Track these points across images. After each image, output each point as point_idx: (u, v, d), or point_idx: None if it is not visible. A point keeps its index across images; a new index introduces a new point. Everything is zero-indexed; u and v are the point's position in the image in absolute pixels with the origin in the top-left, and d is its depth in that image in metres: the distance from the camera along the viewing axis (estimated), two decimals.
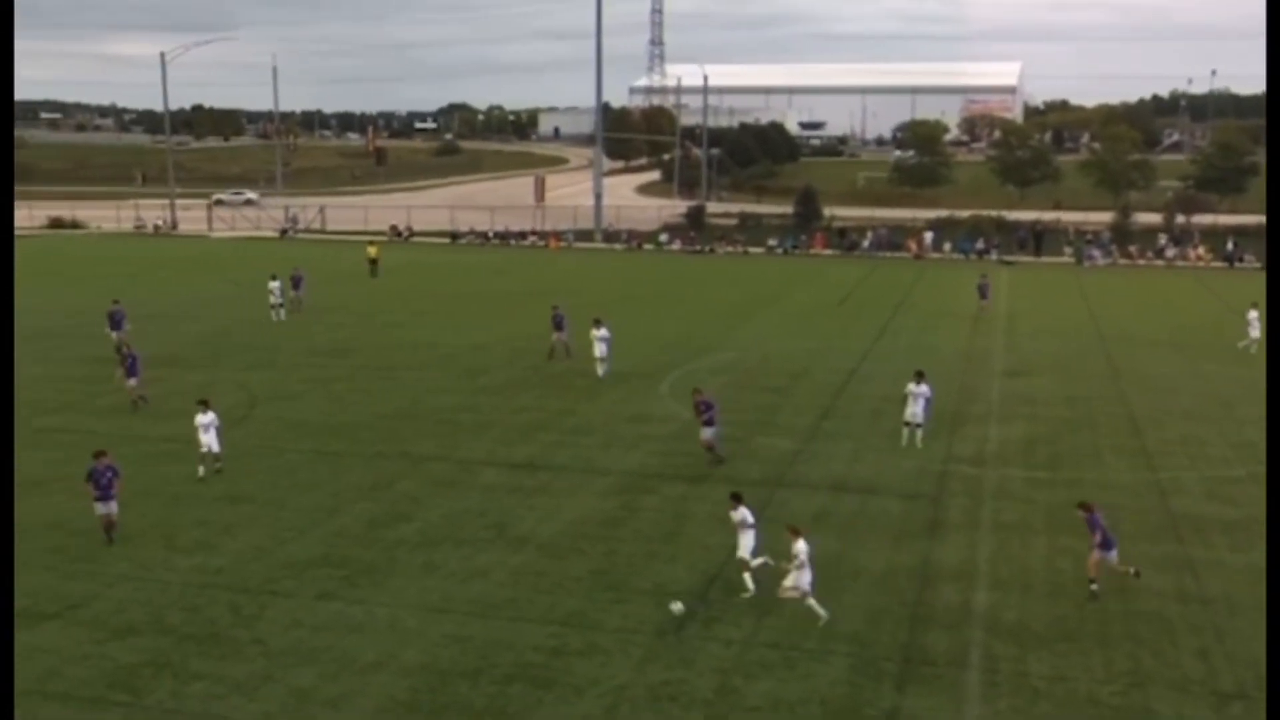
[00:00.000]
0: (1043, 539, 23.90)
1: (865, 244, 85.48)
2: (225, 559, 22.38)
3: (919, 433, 30.26)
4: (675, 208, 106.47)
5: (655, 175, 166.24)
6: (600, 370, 37.47)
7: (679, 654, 18.57)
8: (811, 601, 19.53)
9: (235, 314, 51.04)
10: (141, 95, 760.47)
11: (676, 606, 19.56)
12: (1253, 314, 44.00)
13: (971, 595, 20.90)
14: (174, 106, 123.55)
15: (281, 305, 49.60)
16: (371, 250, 66.68)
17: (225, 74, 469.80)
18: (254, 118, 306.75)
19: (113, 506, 23.04)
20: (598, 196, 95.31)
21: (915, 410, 30.19)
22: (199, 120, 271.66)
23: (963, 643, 19.06)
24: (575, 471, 28.08)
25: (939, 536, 23.91)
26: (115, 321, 40.48)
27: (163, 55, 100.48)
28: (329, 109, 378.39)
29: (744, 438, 31.34)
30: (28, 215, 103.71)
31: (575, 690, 17.37)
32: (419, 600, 20.49)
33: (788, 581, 19.62)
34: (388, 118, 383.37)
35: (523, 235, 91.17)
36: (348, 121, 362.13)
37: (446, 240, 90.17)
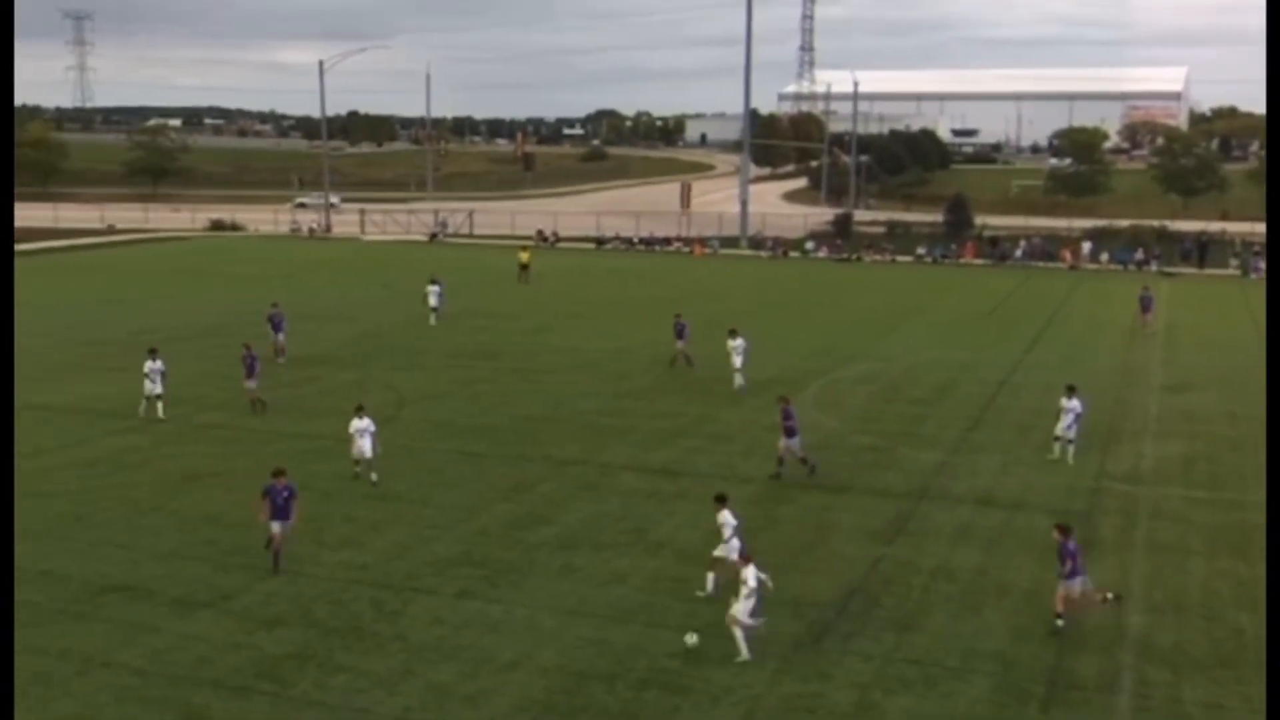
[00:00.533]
0: (1200, 561, 23.06)
1: (1018, 253, 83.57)
2: (370, 555, 22.95)
3: (1070, 448, 29.46)
4: (822, 215, 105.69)
5: (802, 182, 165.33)
6: (736, 381, 37.21)
7: (816, 666, 18.40)
8: (739, 634, 18.40)
9: (386, 316, 52.28)
10: (300, 102, 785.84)
11: (691, 639, 18.78)
12: None
13: (1124, 617, 20.24)
14: (331, 113, 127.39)
15: (437, 310, 50.34)
16: (523, 256, 67.48)
17: (380, 81, 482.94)
18: (407, 123, 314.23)
19: (286, 526, 22.14)
20: (743, 203, 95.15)
21: (1065, 425, 29.42)
22: (354, 126, 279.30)
23: (1114, 666, 18.49)
24: (715, 478, 28.05)
25: (1090, 556, 23.17)
26: (275, 324, 41.61)
27: (321, 63, 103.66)
28: (479, 115, 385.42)
29: (887, 448, 30.94)
30: (190, 218, 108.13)
31: (711, 698, 17.35)
32: (556, 602, 20.71)
33: (733, 614, 18.66)
34: (536, 123, 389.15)
35: (667, 241, 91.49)
36: (497, 127, 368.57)
37: (592, 245, 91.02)
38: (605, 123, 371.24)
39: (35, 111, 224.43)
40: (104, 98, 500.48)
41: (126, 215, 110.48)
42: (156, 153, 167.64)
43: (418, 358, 43.05)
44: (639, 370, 40.71)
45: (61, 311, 53.34)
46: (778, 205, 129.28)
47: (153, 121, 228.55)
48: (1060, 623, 19.59)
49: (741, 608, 18.54)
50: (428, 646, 18.93)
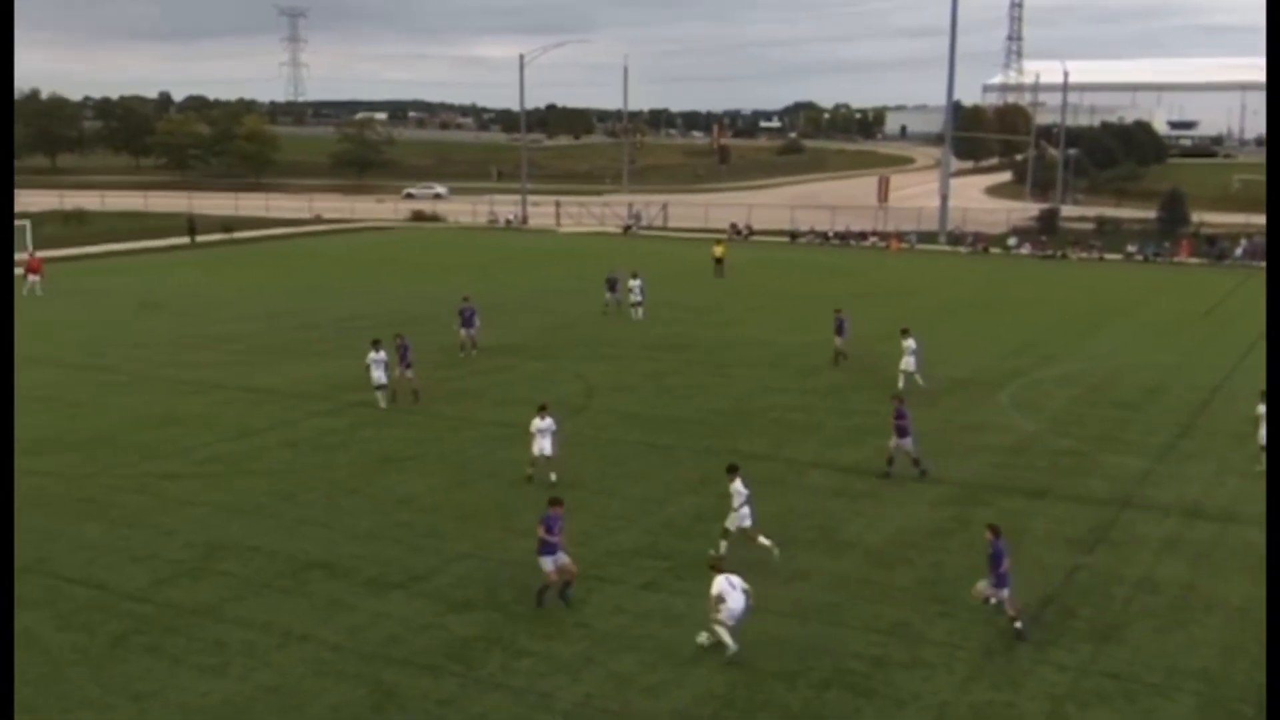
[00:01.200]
0: None
1: (1238, 252, 79.58)
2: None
3: None
4: (1026, 210, 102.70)
5: (1006, 176, 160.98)
6: (901, 382, 36.34)
7: (1007, 675, 17.94)
8: (723, 632, 18.27)
9: (578, 307, 53.08)
10: (500, 95, 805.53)
11: (702, 638, 18.67)
12: None
13: None
14: (530, 106, 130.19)
15: (641, 304, 50.44)
16: (718, 249, 67.53)
17: (579, 74, 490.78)
18: (604, 116, 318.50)
19: (561, 558, 20.19)
20: (944, 197, 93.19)
21: (1264, 433, 27.90)
22: (552, 119, 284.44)
23: None
24: (905, 479, 27.59)
25: None
26: (466, 318, 42.29)
27: (521, 57, 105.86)
28: (675, 108, 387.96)
29: (1088, 453, 29.93)
30: (393, 208, 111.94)
31: (896, 703, 17.11)
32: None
33: (719, 617, 18.36)
34: (733, 116, 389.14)
35: (863, 236, 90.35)
36: (693, 120, 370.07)
37: (785, 239, 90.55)
38: (802, 115, 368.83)
39: (250, 106, 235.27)
40: (315, 92, 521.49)
41: (333, 205, 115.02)
42: (362, 145, 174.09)
43: (608, 349, 43.60)
44: (830, 366, 40.33)
45: (274, 298, 55.89)
46: (980, 200, 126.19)
47: (360, 115, 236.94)
48: (1019, 625, 19.22)
49: (725, 612, 18.30)
50: (610, 635, 19.18)
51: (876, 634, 19.27)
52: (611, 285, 51.90)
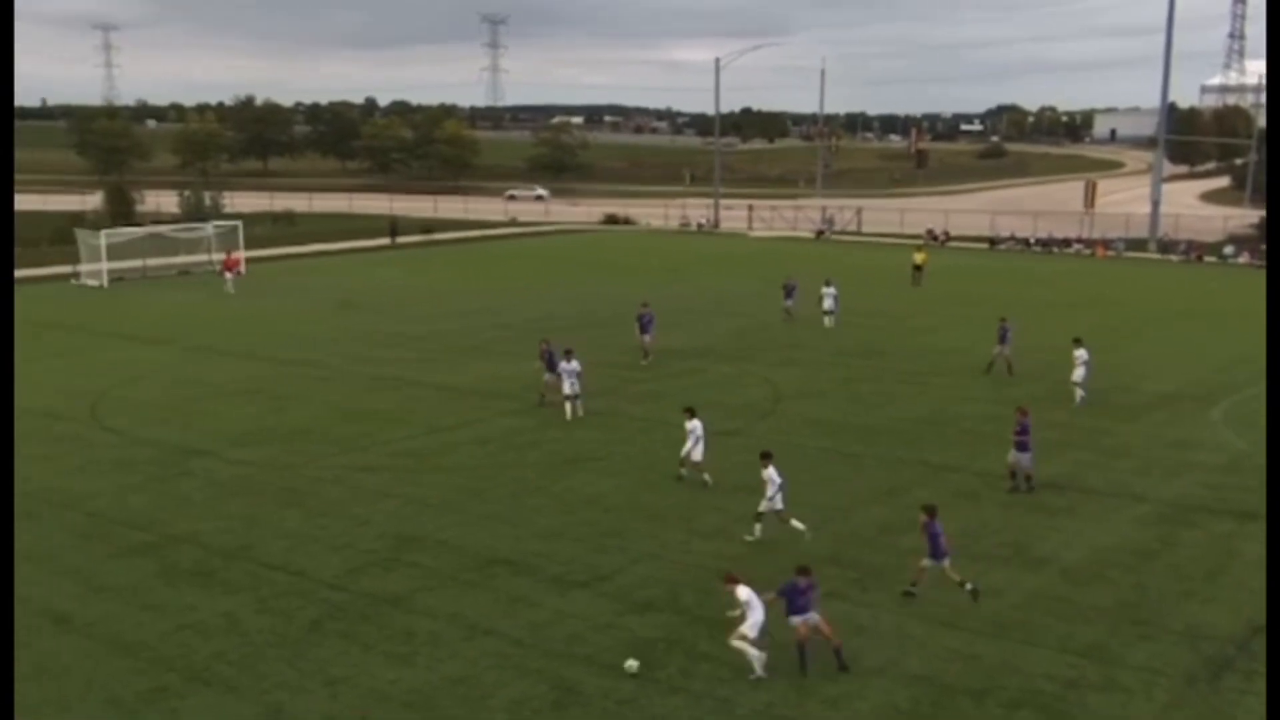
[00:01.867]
0: None
1: None
2: (740, 547, 23.33)
3: None
4: (1245, 217, 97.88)
5: (1223, 181, 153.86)
6: (1077, 396, 34.98)
7: (1211, 704, 17.13)
8: (746, 646, 17.81)
9: (768, 311, 52.85)
10: (695, 99, 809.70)
11: (631, 664, 18.07)
12: None
13: None
14: (724, 110, 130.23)
15: (833, 313, 49.50)
16: (918, 257, 65.96)
17: (775, 77, 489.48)
18: (799, 120, 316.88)
19: (812, 618, 18.50)
20: (1155, 203, 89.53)
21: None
22: (747, 123, 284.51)
23: None
24: (1106, 495, 26.62)
25: None
26: (644, 324, 42.22)
27: (717, 61, 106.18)
28: (873, 111, 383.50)
29: None
30: (586, 211, 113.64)
31: None
32: (926, 611, 20.31)
33: (742, 631, 17.95)
34: (932, 119, 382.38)
35: (1066, 243, 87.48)
36: (890, 123, 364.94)
37: (984, 245, 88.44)
38: (1006, 118, 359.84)
39: (451, 110, 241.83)
40: (514, 97, 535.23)
41: (528, 209, 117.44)
42: (558, 149, 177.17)
43: (798, 353, 43.33)
44: (1027, 377, 39.17)
45: (469, 297, 57.38)
46: (1194, 206, 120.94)
47: (557, 119, 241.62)
48: (913, 588, 20.71)
49: (746, 626, 17.88)
50: (791, 644, 19.02)
51: (1071, 655, 18.64)
52: (788, 292, 51.36)
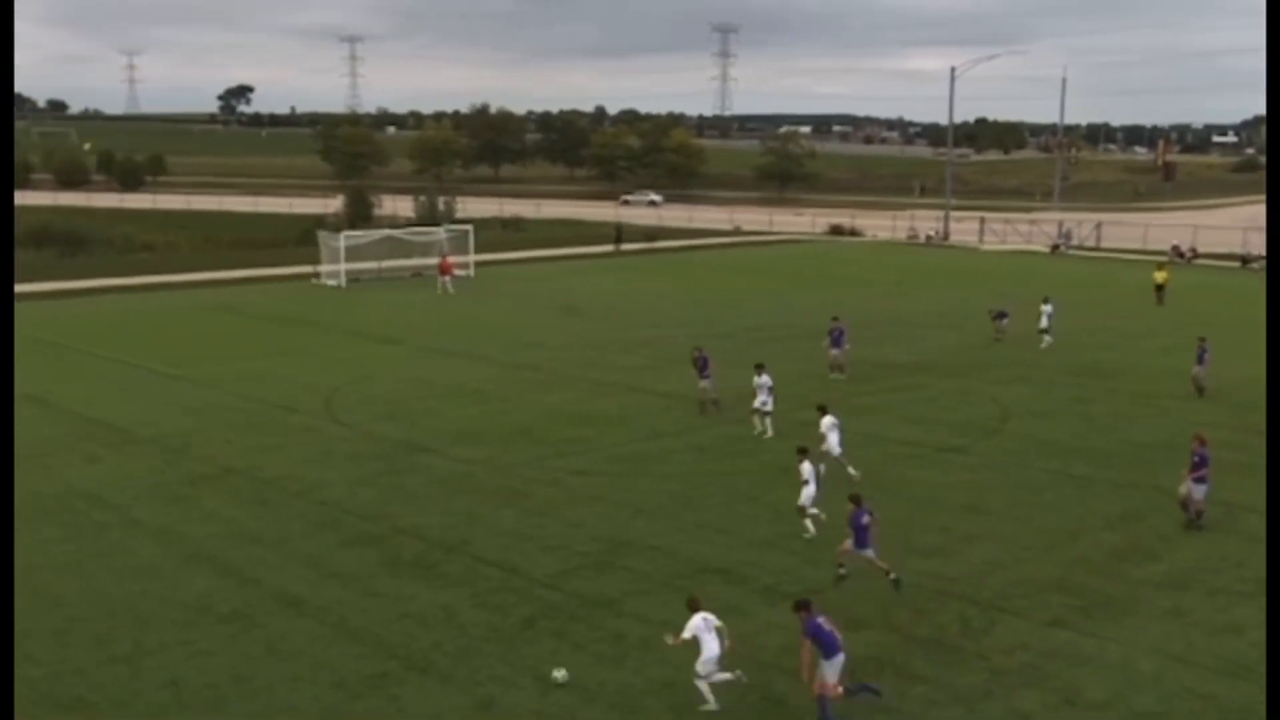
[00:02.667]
0: None
1: None
2: (960, 568, 22.82)
3: None
4: None
5: None
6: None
7: None
8: (701, 685, 17.19)
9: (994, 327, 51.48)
10: (928, 109, 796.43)
11: (559, 674, 17.93)
12: None
13: None
14: (958, 119, 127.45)
15: (1048, 331, 48.08)
16: (1159, 275, 62.98)
17: (1011, 87, 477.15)
18: (1036, 130, 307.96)
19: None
20: None
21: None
22: (981, 133, 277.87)
23: None
24: None
25: None
26: (835, 338, 41.30)
27: (952, 70, 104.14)
28: (1116, 121, 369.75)
29: None
30: (810, 221, 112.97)
31: None
32: (1159, 645, 19.44)
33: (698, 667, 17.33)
34: (1181, 130, 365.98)
35: None
36: (1135, 135, 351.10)
37: (1235, 264, 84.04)
38: (1262, 129, 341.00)
39: (679, 119, 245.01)
40: (742, 106, 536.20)
41: (752, 217, 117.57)
42: (785, 159, 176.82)
43: (1027, 371, 42.07)
44: (1247, 405, 36.99)
45: (690, 306, 57.85)
46: None
47: (784, 129, 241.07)
48: (842, 570, 22.01)
49: (701, 660, 17.24)
50: (1011, 670, 18.52)
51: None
52: (1000, 314, 49.28)
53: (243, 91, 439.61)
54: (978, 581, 22.15)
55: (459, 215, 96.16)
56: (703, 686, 17.26)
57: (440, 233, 72.22)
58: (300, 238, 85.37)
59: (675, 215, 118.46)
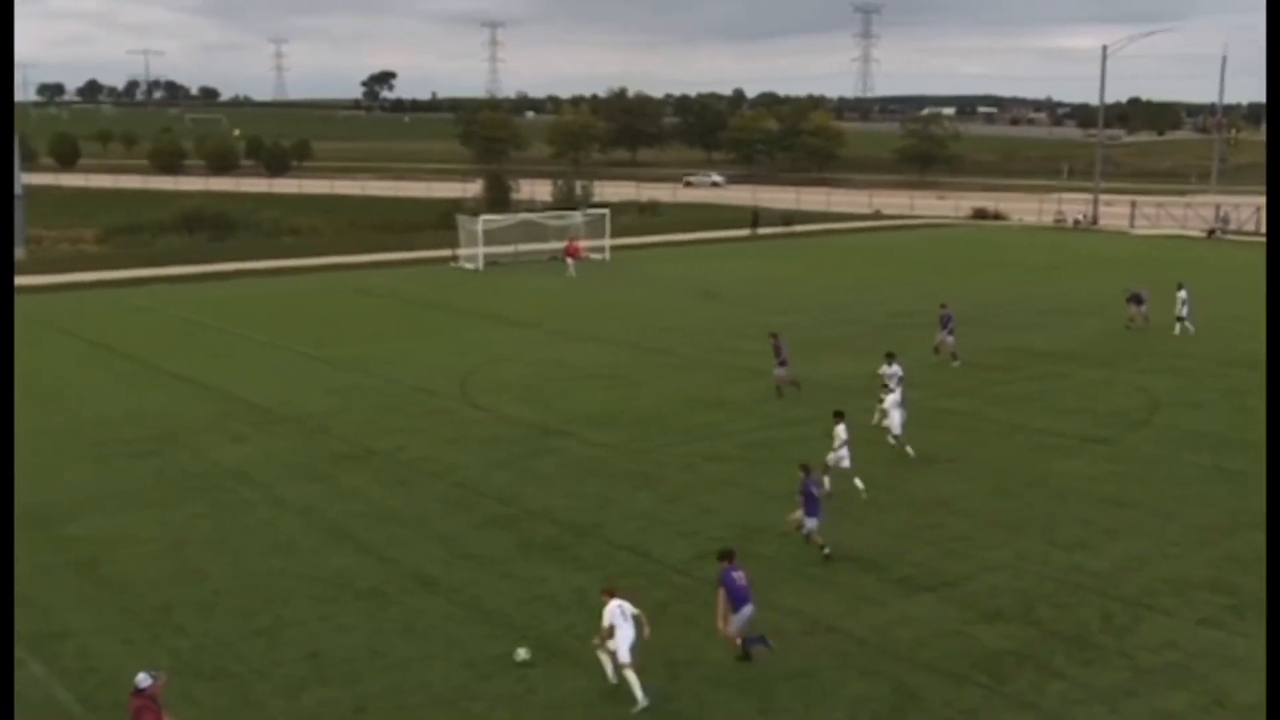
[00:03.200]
0: None
1: None
2: (1103, 563, 22.24)
3: None
4: None
5: None
6: None
7: None
8: (630, 675, 16.90)
9: (1156, 313, 49.97)
10: (1078, 89, 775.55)
11: (522, 654, 18.01)
12: None
13: None
14: (1110, 100, 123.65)
15: (1185, 319, 46.48)
16: None
17: (1167, 65, 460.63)
18: (1193, 110, 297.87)
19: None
20: None
21: None
22: (1134, 113, 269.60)
23: None
24: None
25: None
26: (945, 324, 40.77)
27: (1104, 48, 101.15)
28: None
29: None
30: (953, 205, 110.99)
31: None
32: None
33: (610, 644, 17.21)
34: None
35: None
36: None
37: None
38: None
39: (819, 102, 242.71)
40: (884, 87, 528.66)
41: (892, 201, 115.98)
42: (927, 141, 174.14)
43: (1177, 361, 40.73)
44: None
45: (826, 291, 57.34)
46: None
47: (927, 110, 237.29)
48: (826, 551, 22.29)
49: (615, 644, 17.05)
50: (1156, 669, 17.99)
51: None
52: (1137, 299, 47.69)
53: (385, 78, 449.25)
54: (1122, 577, 21.57)
55: (596, 199, 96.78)
56: (631, 677, 16.90)
57: (577, 216, 72.80)
58: (439, 221, 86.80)
59: (813, 199, 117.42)
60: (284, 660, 18.36)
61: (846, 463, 25.64)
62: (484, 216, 69.96)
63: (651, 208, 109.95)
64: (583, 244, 67.83)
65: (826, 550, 22.23)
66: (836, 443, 25.64)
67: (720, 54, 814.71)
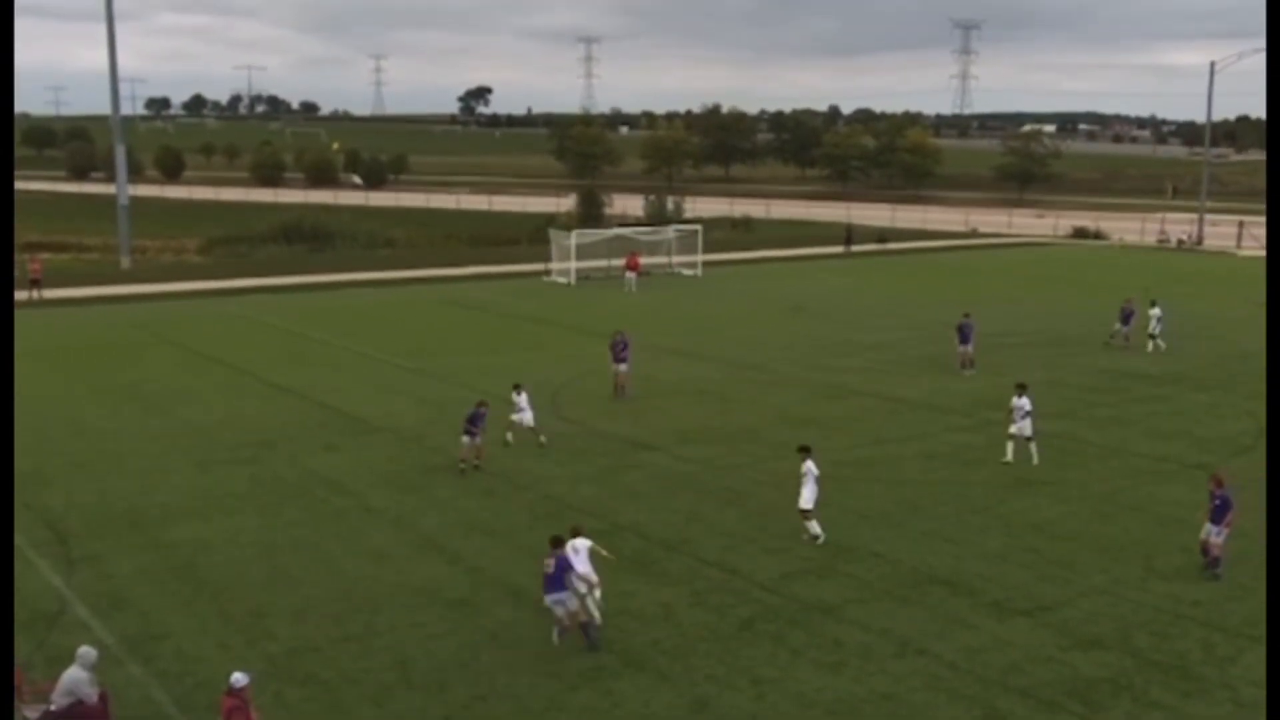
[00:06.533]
0: None
1: None
2: (1205, 592, 21.74)
3: None
4: None
5: None
6: None
7: None
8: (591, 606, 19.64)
9: (1256, 337, 48.77)
10: (1183, 106, 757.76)
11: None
12: None
13: None
14: (1217, 117, 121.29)
15: (1155, 337, 45.29)
16: None
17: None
18: None
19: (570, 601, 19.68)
20: None
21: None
22: (1243, 131, 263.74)
23: None
24: None
25: None
26: (964, 335, 41.19)
27: (1212, 64, 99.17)
28: None
29: None
30: (1052, 224, 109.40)
31: None
32: None
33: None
34: None
35: None
36: None
37: None
38: None
39: (915, 118, 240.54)
40: (982, 104, 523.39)
41: (990, 219, 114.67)
42: (1027, 158, 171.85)
43: None
44: None
45: (921, 308, 56.74)
46: None
47: (1027, 128, 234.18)
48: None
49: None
50: (1260, 704, 17.51)
51: None
52: (1126, 316, 46.54)
53: (481, 93, 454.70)
54: (1224, 607, 21.06)
55: (688, 215, 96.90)
56: (592, 606, 19.60)
57: (669, 232, 72.93)
58: (533, 235, 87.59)
59: (908, 216, 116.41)
60: (373, 667, 18.60)
61: (808, 504, 24.01)
62: (577, 231, 70.43)
63: (744, 223, 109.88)
64: (643, 258, 67.82)
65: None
66: (806, 480, 23.97)
67: (816, 70, 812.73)
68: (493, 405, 30.10)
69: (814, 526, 24.12)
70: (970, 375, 40.35)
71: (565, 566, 19.32)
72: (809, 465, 24.17)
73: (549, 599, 19.38)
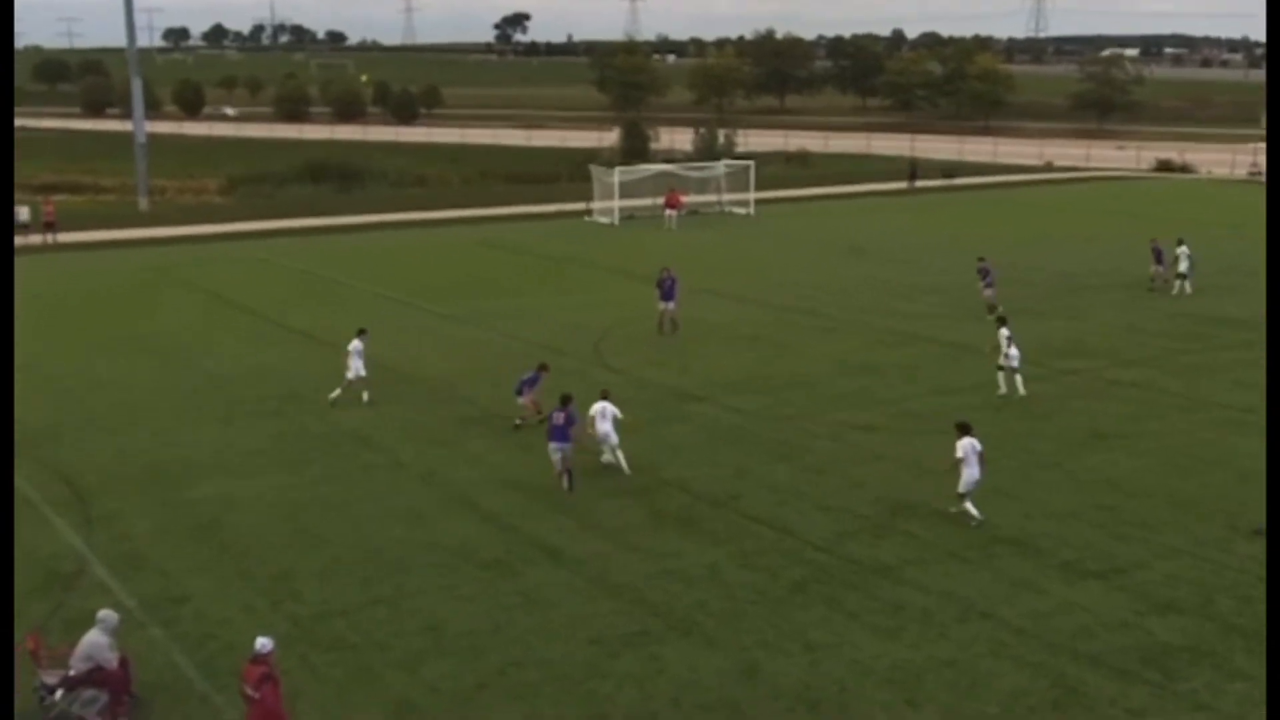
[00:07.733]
0: None
1: None
2: None
3: None
4: None
5: None
6: None
7: None
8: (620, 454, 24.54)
9: None
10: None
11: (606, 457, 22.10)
12: None
13: None
14: None
15: (1186, 277, 44.76)
16: None
17: None
18: None
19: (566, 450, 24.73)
20: None
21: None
22: None
23: None
24: None
25: None
26: (985, 278, 41.53)
27: None
28: None
29: None
30: (1134, 156, 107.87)
31: None
32: None
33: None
34: None
35: None
36: None
37: None
38: None
39: (986, 43, 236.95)
40: (1059, 27, 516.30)
41: (1066, 152, 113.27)
42: (1107, 85, 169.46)
43: None
44: None
45: (989, 249, 56.09)
46: None
47: (1107, 52, 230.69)
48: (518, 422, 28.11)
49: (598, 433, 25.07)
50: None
51: None
52: (1158, 256, 46.08)
53: (519, 20, 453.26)
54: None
55: (740, 149, 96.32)
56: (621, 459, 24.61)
57: (719, 168, 72.58)
58: (573, 172, 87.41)
59: (978, 149, 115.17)
60: (404, 631, 18.78)
61: (970, 486, 22.89)
62: (620, 168, 70.18)
63: (800, 158, 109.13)
64: (684, 196, 67.49)
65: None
66: (961, 459, 22.97)
67: None
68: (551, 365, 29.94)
69: (970, 508, 22.84)
70: (992, 319, 39.42)
71: (573, 421, 24.22)
72: (968, 443, 22.87)
73: (553, 446, 24.32)
